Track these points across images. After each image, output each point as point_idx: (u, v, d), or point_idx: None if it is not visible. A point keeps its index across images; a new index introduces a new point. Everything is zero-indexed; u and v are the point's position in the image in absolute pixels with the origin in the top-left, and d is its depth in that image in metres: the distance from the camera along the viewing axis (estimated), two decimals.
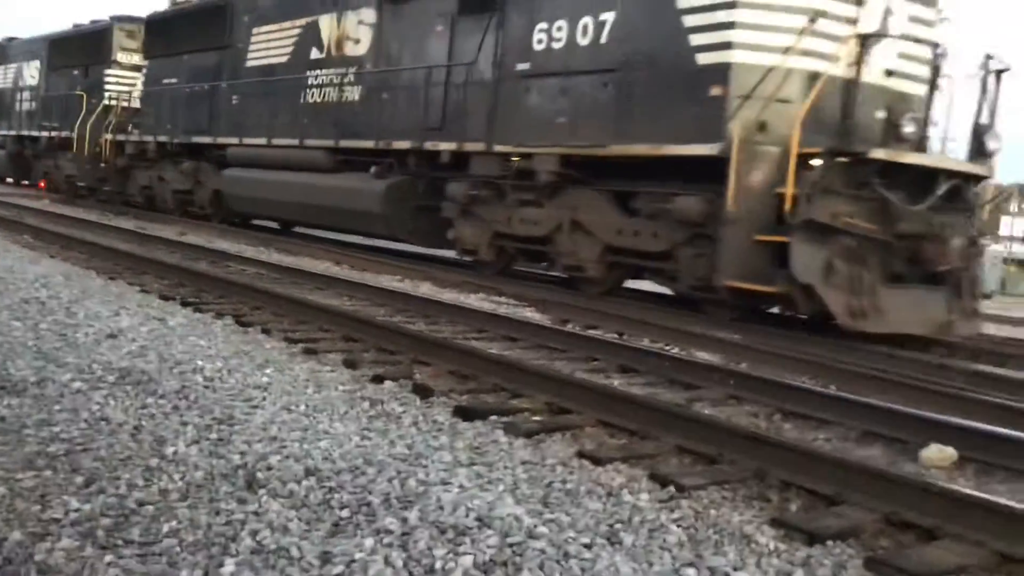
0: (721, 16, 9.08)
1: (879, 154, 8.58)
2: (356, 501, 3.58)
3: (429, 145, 12.31)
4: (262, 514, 3.40)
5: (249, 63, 16.21)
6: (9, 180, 27.30)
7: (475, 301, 10.30)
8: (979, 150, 9.41)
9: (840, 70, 8.96)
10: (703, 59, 9.17)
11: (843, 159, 8.52)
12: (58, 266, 10.30)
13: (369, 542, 3.16)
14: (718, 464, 4.53)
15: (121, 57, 21.26)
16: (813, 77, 8.86)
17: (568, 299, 10.76)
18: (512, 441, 4.72)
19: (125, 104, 20.53)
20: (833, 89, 8.86)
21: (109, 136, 20.27)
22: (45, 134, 24.06)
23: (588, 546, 3.28)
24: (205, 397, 5.02)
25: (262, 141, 15.59)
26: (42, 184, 24.83)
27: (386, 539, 3.20)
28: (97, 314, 7.21)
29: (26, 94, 25.74)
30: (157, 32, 19.30)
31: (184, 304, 8.33)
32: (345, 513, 3.47)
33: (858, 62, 8.78)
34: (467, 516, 3.41)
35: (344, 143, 13.87)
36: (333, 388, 5.62)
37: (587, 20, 10.22)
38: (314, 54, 14.61)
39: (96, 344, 6.16)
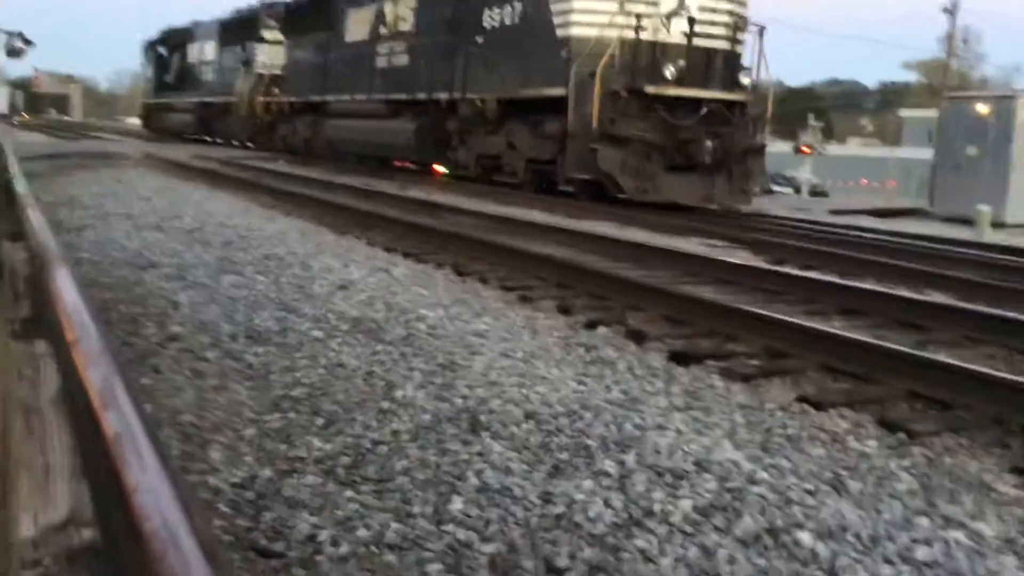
0: (567, 6, 13.97)
1: (650, 89, 13.07)
2: (574, 444, 3.66)
3: (435, 96, 17.44)
4: (486, 455, 3.55)
5: (346, 39, 21.37)
6: (193, 136, 33.05)
7: (688, 245, 10.16)
8: (734, 83, 13.95)
9: (648, 35, 13.22)
10: (559, 33, 14.02)
11: (633, 93, 13.12)
12: (293, 223, 11.03)
13: (588, 484, 3.23)
14: (952, 410, 4.29)
15: (267, 35, 26.35)
16: (622, 42, 13.19)
17: (784, 240, 10.41)
18: (729, 386, 4.66)
19: (271, 73, 25.95)
20: (640, 48, 13.20)
21: (260, 99, 26.21)
22: (219, 99, 29.61)
23: (811, 492, 3.21)
24: (429, 344, 5.26)
25: (348, 97, 21.07)
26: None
27: (604, 481, 3.26)
28: (330, 267, 7.68)
29: (206, 67, 31.76)
30: (291, 17, 25.09)
31: (407, 255, 8.71)
32: (564, 456, 3.56)
33: (636, 30, 13.10)
34: (684, 460, 3.41)
35: (393, 96, 19.17)
36: (548, 334, 5.73)
37: (508, 8, 15.36)
38: (382, 31, 19.80)
39: (330, 295, 6.57)
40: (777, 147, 66.76)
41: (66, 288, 1.40)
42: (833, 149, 54.57)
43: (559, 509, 3.06)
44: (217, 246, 8.72)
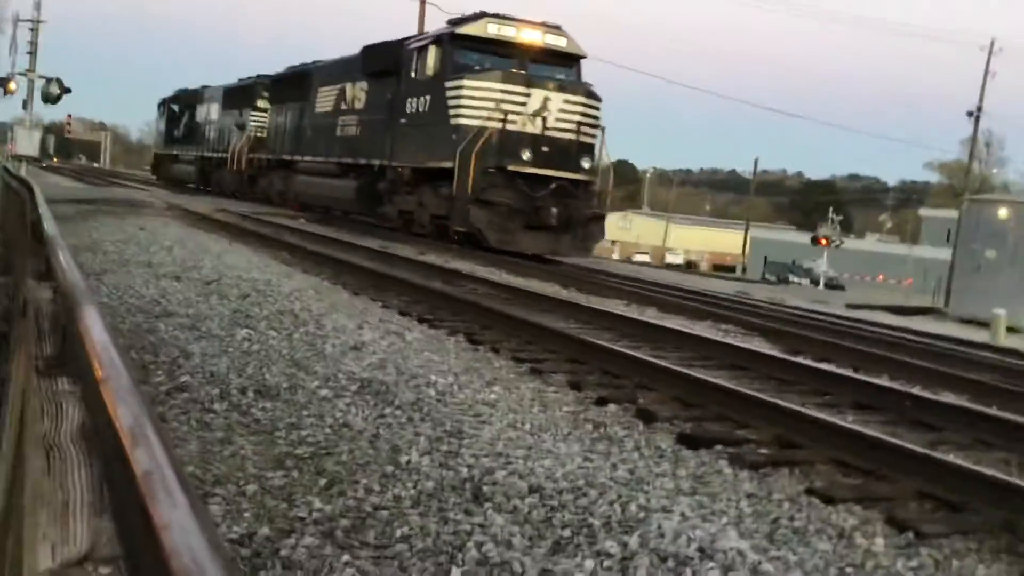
0: (458, 101, 17.91)
1: (512, 167, 17.08)
2: (577, 521, 3.61)
3: (371, 162, 21.26)
4: (487, 527, 3.50)
5: (316, 110, 25.43)
6: (190, 185, 37.69)
7: (701, 329, 10.15)
8: (579, 166, 17.81)
9: (517, 127, 17.30)
10: (452, 122, 17.87)
11: (500, 169, 17.19)
12: (310, 280, 11.10)
13: (589, 564, 3.18)
14: (962, 512, 4.22)
15: (259, 103, 30.43)
16: (494, 131, 17.26)
17: (800, 331, 10.38)
18: (737, 473, 4.61)
19: (257, 135, 30.26)
20: (508, 136, 17.22)
21: (247, 155, 30.20)
22: (216, 154, 34.12)
23: None
24: (437, 410, 5.24)
25: (311, 158, 25.25)
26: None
27: (606, 562, 3.21)
28: (343, 327, 7.70)
29: (210, 126, 35.85)
30: (276, 87, 29.40)
31: (420, 320, 8.73)
32: (567, 532, 3.51)
33: (504, 123, 17.28)
34: (688, 546, 3.36)
35: (343, 159, 23.04)
36: (557, 408, 5.71)
37: (421, 98, 19.30)
38: (342, 106, 23.70)
39: (342, 355, 6.57)
40: (793, 236, 67.10)
41: (95, 327, 1.41)
42: (851, 243, 54.76)
43: None
44: (233, 299, 8.77)
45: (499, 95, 17.27)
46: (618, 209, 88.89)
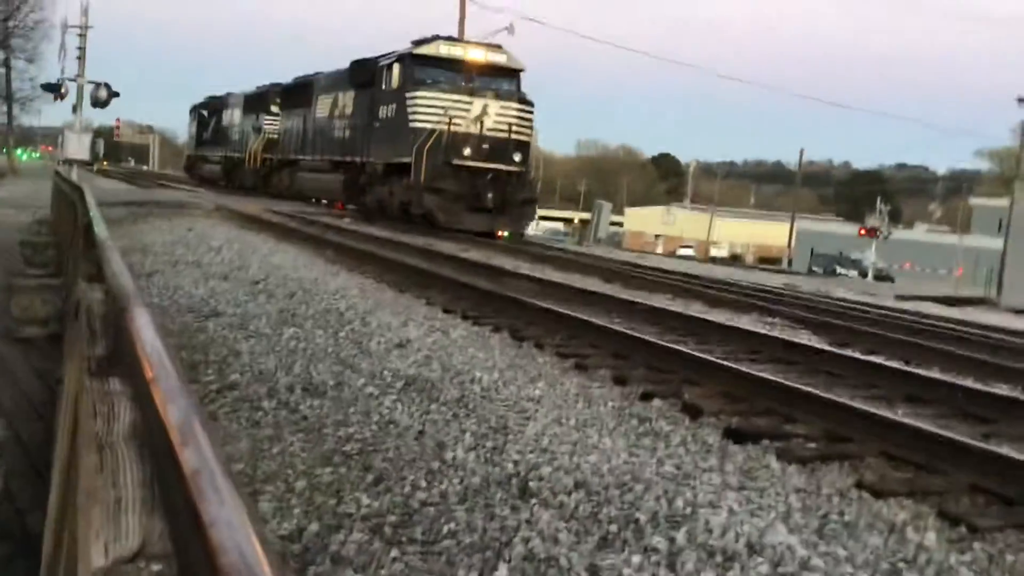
0: (414, 108, 21.60)
1: (456, 161, 20.65)
2: (624, 517, 3.61)
3: (354, 159, 25.25)
4: (533, 522, 3.51)
5: (316, 115, 29.47)
6: (221, 183, 41.05)
7: (747, 322, 10.06)
8: (511, 160, 21.23)
9: (462, 128, 20.90)
10: (410, 125, 21.52)
11: (447, 163, 20.74)
12: (355, 279, 11.18)
13: (636, 559, 3.17)
14: (1016, 506, 4.14)
15: (272, 108, 34.44)
16: (442, 132, 20.83)
17: (848, 323, 10.26)
18: (785, 467, 4.57)
19: (270, 136, 34.47)
20: (454, 136, 20.78)
21: (261, 155, 34.56)
22: (237, 154, 38.41)
23: None
24: (482, 406, 5.26)
25: (310, 157, 29.57)
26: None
27: (653, 557, 3.20)
28: (388, 324, 7.75)
29: (233, 129, 40.03)
30: (285, 95, 33.70)
31: (464, 317, 8.76)
32: (613, 528, 3.51)
33: (449, 125, 20.87)
34: (736, 541, 3.34)
35: (334, 157, 26.95)
36: (602, 404, 5.70)
37: (389, 106, 23.05)
38: (335, 111, 27.56)
39: (387, 352, 6.62)
40: (840, 228, 66.18)
41: (145, 328, 1.44)
42: (900, 233, 53.90)
43: None
44: (280, 298, 8.87)
45: (447, 103, 21.29)
46: (661, 203, 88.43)
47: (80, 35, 23.40)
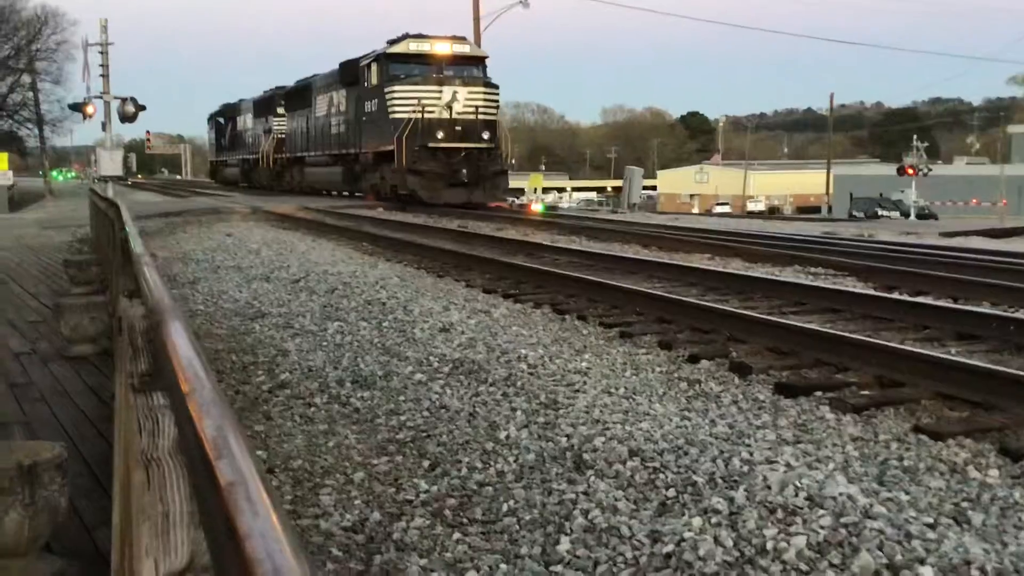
0: (393, 101, 24.47)
1: (431, 144, 23.57)
2: (681, 481, 3.61)
3: (349, 151, 28.14)
4: (591, 494, 3.53)
5: (316, 115, 32.22)
6: (243, 184, 43.89)
7: (790, 275, 9.97)
8: (480, 138, 24.01)
9: (434, 115, 23.80)
10: (391, 116, 24.36)
11: (423, 147, 23.66)
12: (393, 268, 11.25)
13: (697, 521, 3.18)
14: None
15: (279, 110, 36.72)
16: (417, 119, 23.69)
17: (893, 265, 10.13)
18: (840, 417, 4.54)
19: (279, 137, 37.08)
20: (428, 123, 23.68)
21: (272, 155, 37.42)
22: (252, 156, 41.16)
23: (932, 526, 3.09)
24: (530, 383, 5.28)
25: (314, 154, 32.36)
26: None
27: (714, 519, 3.20)
28: (430, 310, 7.79)
29: (247, 133, 42.90)
30: (289, 97, 36.33)
31: (505, 296, 8.78)
32: (671, 493, 3.51)
33: (422, 113, 23.68)
34: (796, 495, 3.33)
35: (334, 152, 29.76)
36: (650, 370, 5.69)
37: (372, 100, 25.77)
38: (332, 110, 30.26)
39: (431, 338, 6.66)
40: (877, 169, 65.14)
41: (181, 341, 1.46)
42: (939, 169, 52.95)
43: (668, 548, 3.02)
44: (322, 294, 8.95)
45: (419, 94, 24.00)
46: (693, 163, 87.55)
47: (101, 52, 23.63)
